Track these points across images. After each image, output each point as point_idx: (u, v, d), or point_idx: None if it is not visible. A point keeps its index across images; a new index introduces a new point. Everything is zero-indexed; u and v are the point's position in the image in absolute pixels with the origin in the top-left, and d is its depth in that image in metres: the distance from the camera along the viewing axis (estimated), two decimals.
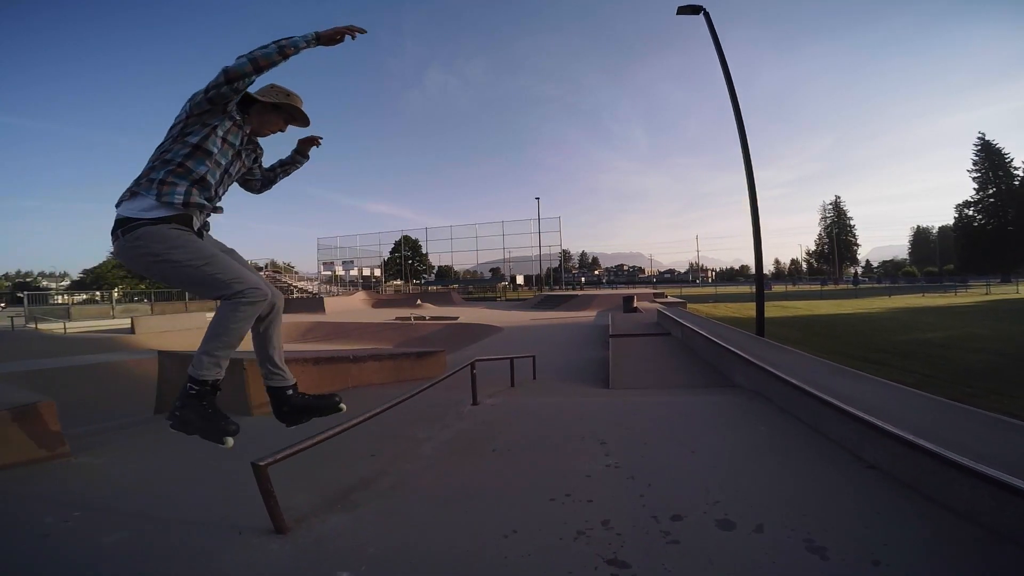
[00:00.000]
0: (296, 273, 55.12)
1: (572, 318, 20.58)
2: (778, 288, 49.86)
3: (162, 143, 1.87)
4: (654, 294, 27.87)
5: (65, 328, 21.60)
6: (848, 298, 33.09)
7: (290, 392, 2.14)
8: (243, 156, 2.08)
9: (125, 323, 21.41)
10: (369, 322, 22.24)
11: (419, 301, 32.57)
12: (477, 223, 51.14)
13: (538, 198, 43.23)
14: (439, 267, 68.60)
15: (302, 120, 2.17)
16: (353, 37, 1.93)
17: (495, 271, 64.62)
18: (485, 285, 55.95)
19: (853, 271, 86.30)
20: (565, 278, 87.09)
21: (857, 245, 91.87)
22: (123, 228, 1.77)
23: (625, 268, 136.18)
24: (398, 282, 61.32)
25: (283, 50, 1.81)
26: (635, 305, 21.10)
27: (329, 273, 52.78)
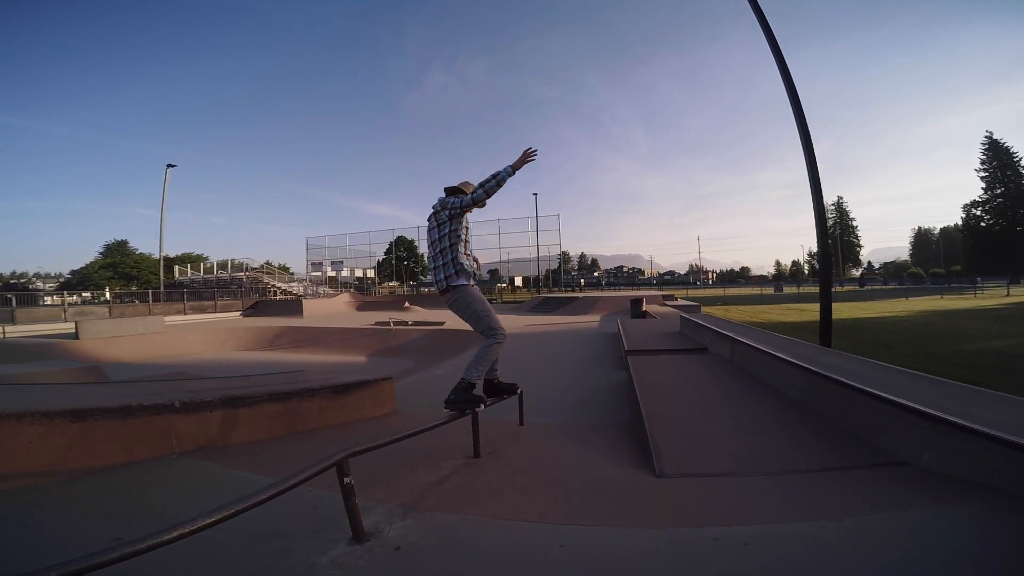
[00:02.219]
0: (291, 274, 52.85)
1: (573, 323, 18.12)
2: (789, 290, 47.41)
3: (440, 243, 3.63)
4: (662, 296, 25.42)
5: (4, 332, 19.16)
6: (863, 300, 31.19)
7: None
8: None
9: (71, 327, 18.98)
10: (345, 327, 19.76)
11: (407, 304, 30.10)
12: (472, 221, 48.58)
13: (535, 194, 40.84)
14: None
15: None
16: (533, 158, 3.62)
17: (493, 272, 62.08)
18: (482, 287, 53.48)
19: (859, 272, 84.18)
20: (564, 279, 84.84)
21: (860, 246, 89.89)
22: (454, 289, 3.62)
23: (625, 269, 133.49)
24: (393, 284, 58.99)
25: (501, 183, 3.53)
26: (644, 308, 18.63)
27: (319, 274, 50.39)
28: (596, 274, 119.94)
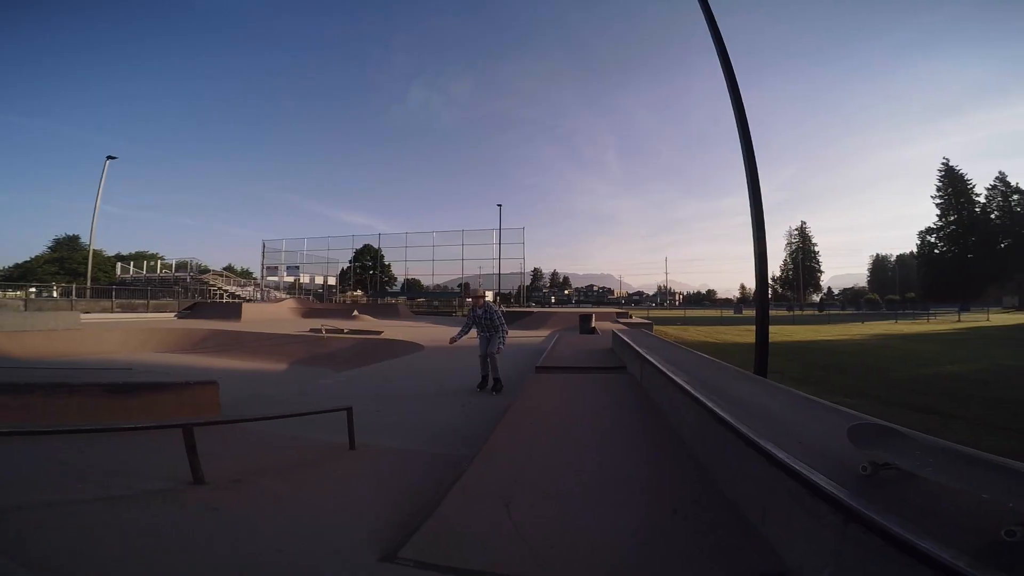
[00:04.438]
0: (252, 279, 50.54)
1: (518, 338, 17.13)
2: (748, 312, 47.64)
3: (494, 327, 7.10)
4: (617, 314, 24.66)
5: None
6: (820, 323, 31.35)
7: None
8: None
9: None
10: (277, 333, 18.34)
11: (356, 312, 28.60)
12: (434, 231, 47.24)
13: (500, 205, 39.96)
14: (406, 280, 64.34)
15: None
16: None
17: (465, 286, 60.85)
18: (447, 299, 52.06)
19: (819, 297, 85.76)
20: (536, 296, 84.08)
21: (821, 272, 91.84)
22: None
23: (595, 288, 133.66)
24: (358, 293, 57.06)
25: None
26: (593, 325, 17.82)
27: (275, 279, 48.27)
28: (567, 292, 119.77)
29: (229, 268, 66.58)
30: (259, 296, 41.92)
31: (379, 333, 17.97)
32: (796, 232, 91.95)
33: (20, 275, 60.64)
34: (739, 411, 2.79)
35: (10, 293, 33.57)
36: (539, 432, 3.82)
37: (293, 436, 4.33)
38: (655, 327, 19.93)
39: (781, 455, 2.05)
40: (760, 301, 7.84)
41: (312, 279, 49.20)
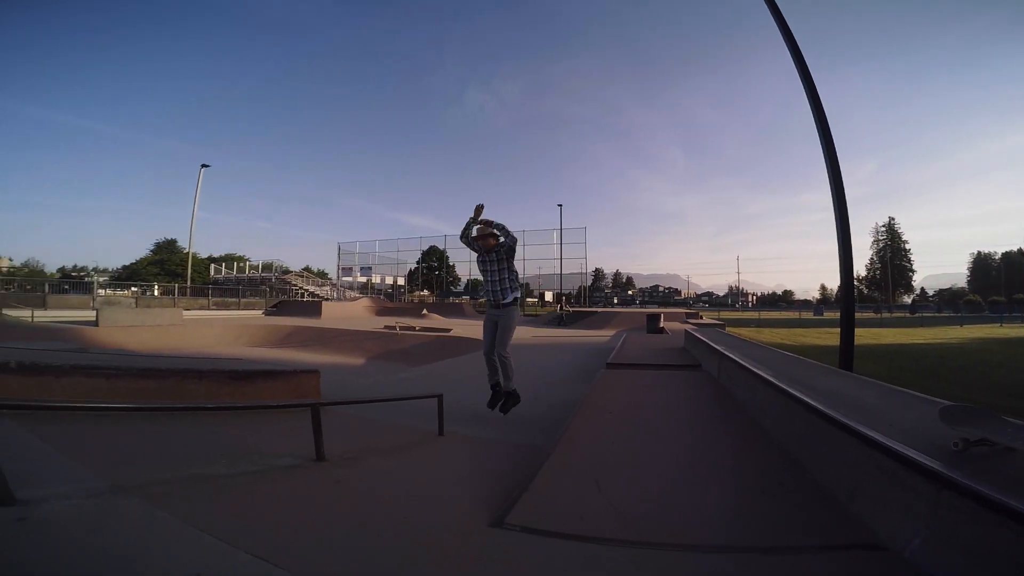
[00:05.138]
0: (328, 280, 53.87)
1: (583, 337, 17.20)
2: (830, 314, 44.26)
3: (498, 273, 4.42)
4: (686, 314, 24.04)
5: (32, 316, 19.85)
6: (912, 326, 28.55)
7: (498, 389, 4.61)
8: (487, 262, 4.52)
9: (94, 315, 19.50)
10: (354, 330, 19.50)
11: (424, 311, 29.75)
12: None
13: (560, 205, 39.95)
14: (470, 280, 65.98)
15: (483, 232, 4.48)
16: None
17: (523, 286, 61.57)
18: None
19: (911, 298, 78.26)
20: (597, 297, 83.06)
21: (912, 271, 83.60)
22: (505, 304, 4.32)
23: (661, 289, 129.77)
24: (424, 292, 59.15)
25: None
26: (661, 325, 17.52)
27: (350, 279, 51.05)
28: (631, 292, 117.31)
29: (307, 269, 71.17)
30: (335, 295, 44.46)
31: (448, 331, 18.64)
32: (883, 228, 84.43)
33: (128, 276, 67.63)
34: (829, 401, 2.83)
35: (119, 292, 37.73)
36: (617, 422, 3.96)
37: (387, 422, 4.73)
38: (727, 329, 19.29)
39: (874, 435, 2.09)
40: (845, 290, 7.51)
41: (382, 279, 51.57)
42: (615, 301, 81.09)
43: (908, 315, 46.35)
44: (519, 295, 4.46)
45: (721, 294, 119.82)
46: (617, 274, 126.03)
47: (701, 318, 24.01)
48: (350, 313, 29.53)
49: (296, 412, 4.46)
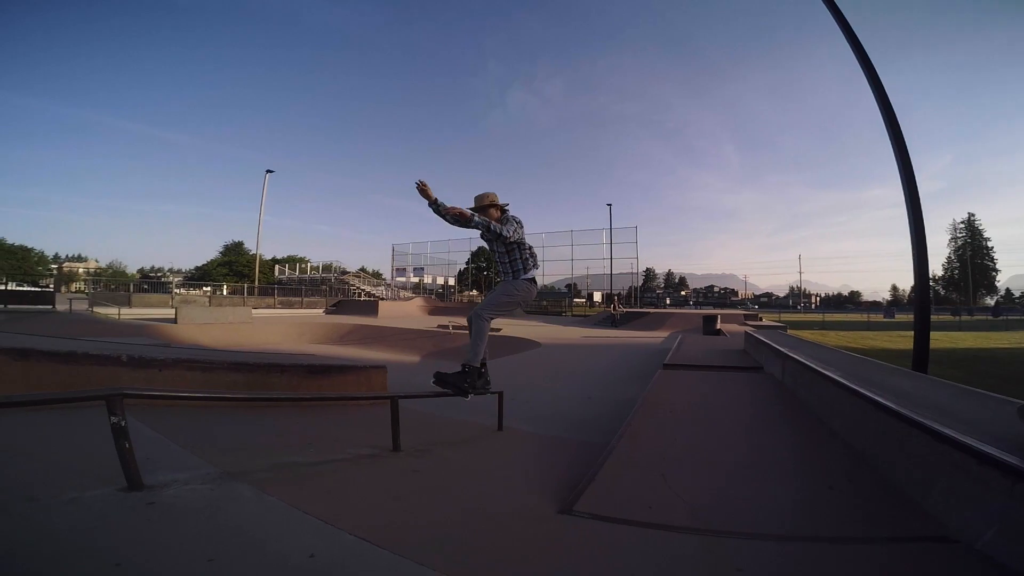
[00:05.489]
0: (382, 279, 55.85)
1: (634, 338, 16.94)
2: (902, 317, 40.87)
3: (507, 255, 3.60)
4: (744, 316, 23.15)
5: (119, 313, 21.75)
6: (995, 330, 25.92)
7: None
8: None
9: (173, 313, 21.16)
10: (409, 328, 20.13)
11: None
12: (543, 232, 47.79)
13: (610, 204, 39.39)
14: None
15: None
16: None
17: (571, 287, 61.11)
18: (555, 299, 52.57)
19: (994, 300, 71.26)
20: (649, 298, 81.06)
21: (996, 271, 76.11)
22: (505, 279, 3.60)
23: (716, 289, 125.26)
24: (473, 292, 60.05)
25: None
26: (718, 327, 16.97)
27: (403, 279, 52.59)
28: (684, 293, 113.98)
29: (362, 269, 73.95)
30: (389, 295, 45.91)
31: (499, 331, 18.85)
32: (962, 225, 77.47)
33: (200, 276, 72.45)
34: (900, 400, 2.73)
35: (193, 292, 40.54)
36: (678, 420, 3.95)
37: (446, 417, 4.89)
38: (788, 331, 18.41)
39: (948, 431, 2.07)
40: (919, 290, 7.05)
41: (434, 279, 52.77)
42: (667, 302, 78.93)
43: (990, 318, 42.25)
44: (533, 275, 3.64)
45: (781, 295, 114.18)
46: (669, 274, 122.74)
47: (760, 320, 23.05)
48: (404, 312, 30.44)
49: (366, 404, 4.71)
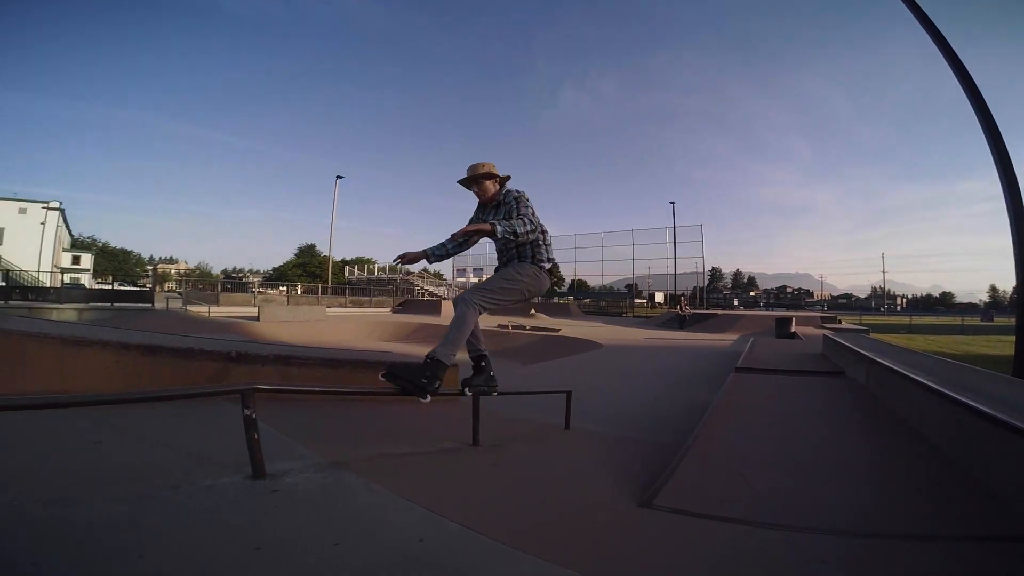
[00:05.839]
0: (444, 280, 57.74)
1: (701, 341, 16.39)
2: (1003, 320, 36.48)
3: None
4: (822, 318, 21.76)
5: (209, 311, 23.73)
6: None
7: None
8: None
9: (256, 311, 22.83)
10: None
11: (533, 311, 30.32)
12: (603, 232, 47.09)
13: (672, 202, 38.28)
14: (574, 280, 66.11)
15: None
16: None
17: (630, 287, 59.95)
18: (614, 300, 51.71)
19: None
20: (715, 299, 77.67)
21: None
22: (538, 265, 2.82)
23: (789, 290, 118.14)
24: None
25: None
26: (793, 330, 16.10)
27: (464, 279, 53.79)
28: (753, 294, 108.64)
29: (425, 270, 76.45)
30: (450, 295, 47.06)
31: (557, 331, 18.87)
32: None
33: (276, 277, 77.33)
34: (997, 405, 2.57)
35: (271, 291, 43.43)
36: (755, 422, 3.88)
37: (512, 414, 5.00)
38: (871, 335, 17.14)
39: None
40: (1021, 290, 6.44)
41: None
42: (735, 303, 75.54)
43: None
44: (546, 265, 2.86)
45: (862, 296, 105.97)
46: (737, 274, 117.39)
47: (840, 322, 21.60)
48: None
49: (439, 400, 4.94)
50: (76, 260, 55.56)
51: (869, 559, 1.73)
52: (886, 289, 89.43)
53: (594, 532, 1.96)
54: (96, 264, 59.02)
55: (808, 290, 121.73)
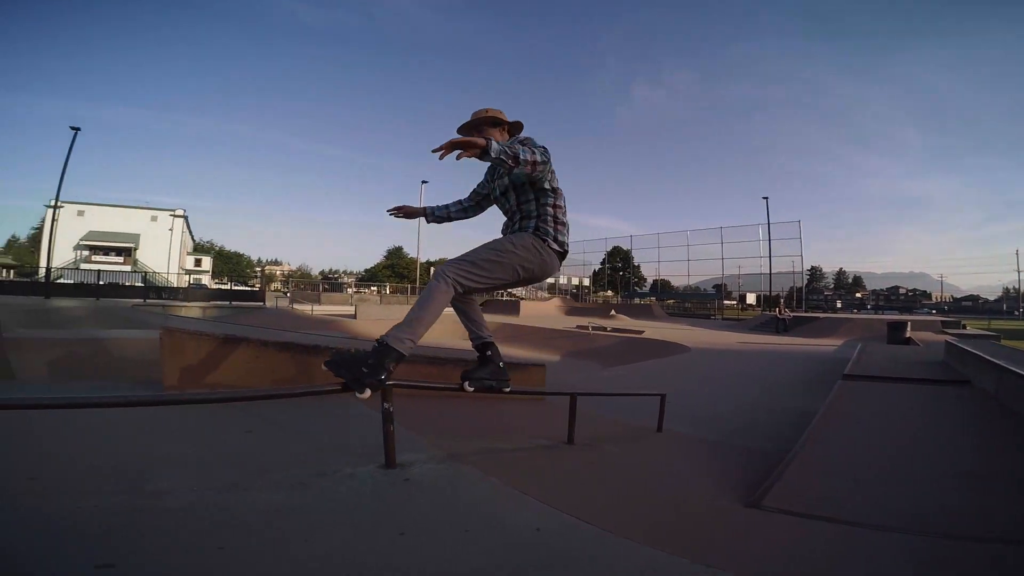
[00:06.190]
0: None
1: (801, 345, 15.29)
2: None
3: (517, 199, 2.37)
4: (943, 323, 19.43)
5: (312, 309, 25.88)
6: None
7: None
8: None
9: (352, 309, 24.63)
10: (548, 328, 20.71)
11: (613, 312, 29.86)
12: (688, 230, 45.05)
13: (766, 198, 35.68)
14: (657, 280, 64.25)
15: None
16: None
17: (719, 287, 57.12)
18: (700, 301, 49.47)
19: None
20: (815, 300, 71.56)
21: None
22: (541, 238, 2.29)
23: (902, 291, 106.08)
24: (609, 293, 59.48)
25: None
26: (908, 335, 14.55)
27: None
28: (859, 295, 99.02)
29: None
30: (527, 295, 47.57)
31: (640, 332, 18.46)
32: None
33: (368, 278, 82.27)
34: None
35: (364, 291, 46.38)
36: (868, 430, 3.68)
37: (599, 415, 5.04)
38: (1002, 340, 15.05)
39: None
40: None
41: (568, 280, 53.41)
42: (838, 305, 69.36)
43: None
44: (550, 234, 2.28)
45: (991, 298, 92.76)
46: (840, 273, 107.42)
47: (964, 327, 19.21)
48: (543, 312, 31.31)
49: (524, 398, 5.09)
50: (198, 262, 62.79)
51: (1014, 565, 1.63)
52: (1021, 291, 77.53)
53: (704, 528, 2.00)
54: (214, 266, 66.23)
55: (925, 291, 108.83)
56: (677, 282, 55.27)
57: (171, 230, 57.89)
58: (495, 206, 2.62)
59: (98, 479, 1.91)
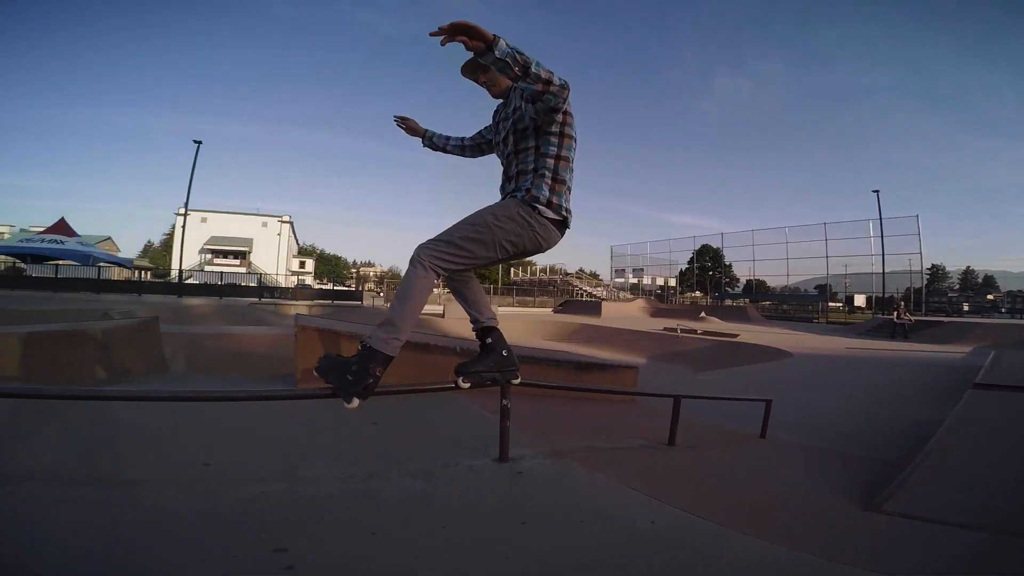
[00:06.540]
0: (599, 280, 58.18)
1: (919, 352, 13.77)
2: None
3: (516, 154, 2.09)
4: None
5: None
6: None
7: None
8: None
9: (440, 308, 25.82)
10: (633, 329, 20.30)
11: (703, 314, 28.53)
12: (786, 227, 41.74)
13: (876, 191, 32.21)
14: (751, 281, 60.55)
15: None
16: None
17: (822, 288, 52.49)
18: (801, 302, 45.75)
19: None
20: (937, 303, 63.17)
21: None
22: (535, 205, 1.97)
23: None
24: (697, 294, 56.95)
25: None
26: None
27: (622, 280, 53.08)
28: (991, 297, 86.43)
29: (581, 271, 77.42)
30: (608, 296, 46.81)
31: (735, 336, 17.54)
32: None
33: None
34: None
35: (448, 291, 48.10)
36: (1002, 440, 3.37)
37: (696, 419, 4.97)
38: None
39: None
40: None
41: (653, 280, 51.69)
42: (965, 308, 60.90)
43: None
44: (542, 198, 1.93)
45: None
46: (968, 272, 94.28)
47: None
48: (626, 313, 30.69)
49: (616, 399, 5.15)
50: (302, 264, 68.53)
51: None
52: None
53: (824, 528, 2.01)
54: (315, 267, 72.00)
55: None
56: (774, 282, 51.37)
57: (279, 235, 64.04)
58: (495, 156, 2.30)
59: (255, 465, 2.22)
